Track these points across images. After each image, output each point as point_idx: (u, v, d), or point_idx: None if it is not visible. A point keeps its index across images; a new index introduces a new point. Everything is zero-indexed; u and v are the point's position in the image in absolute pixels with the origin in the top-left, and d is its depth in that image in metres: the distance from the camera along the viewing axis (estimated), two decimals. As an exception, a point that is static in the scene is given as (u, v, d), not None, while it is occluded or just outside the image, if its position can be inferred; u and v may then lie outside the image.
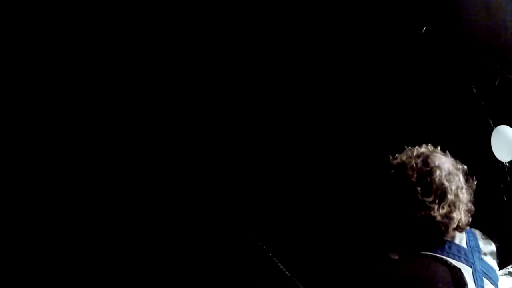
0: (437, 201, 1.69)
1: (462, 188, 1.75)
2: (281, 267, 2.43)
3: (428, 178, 1.70)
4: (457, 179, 1.75)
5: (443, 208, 1.69)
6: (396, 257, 1.79)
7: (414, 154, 1.75)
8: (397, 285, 1.62)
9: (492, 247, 1.90)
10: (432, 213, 1.68)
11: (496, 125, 3.24)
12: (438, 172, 1.72)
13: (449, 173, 1.74)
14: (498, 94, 3.27)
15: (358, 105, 3.46)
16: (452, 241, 1.76)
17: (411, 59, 3.34)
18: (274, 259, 2.46)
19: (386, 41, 3.35)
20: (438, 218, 1.69)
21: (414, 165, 1.72)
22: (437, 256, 1.69)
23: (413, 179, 1.70)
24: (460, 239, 1.79)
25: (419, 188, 1.69)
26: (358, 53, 3.38)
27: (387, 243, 1.85)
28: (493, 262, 1.86)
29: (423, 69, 3.39)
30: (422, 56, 3.34)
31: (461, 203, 1.74)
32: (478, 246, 1.84)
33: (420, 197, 1.69)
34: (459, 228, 1.74)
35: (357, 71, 3.41)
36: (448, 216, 1.70)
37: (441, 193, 1.70)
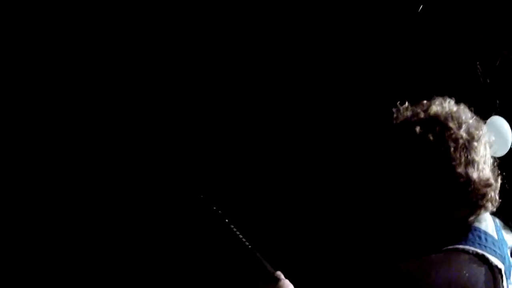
0: (486, 162, 1.31)
1: (489, 155, 1.36)
2: (240, 236, 1.89)
3: (475, 133, 1.31)
4: (492, 140, 1.36)
5: (481, 170, 1.29)
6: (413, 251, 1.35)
7: (446, 107, 1.35)
8: None
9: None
10: (484, 174, 1.29)
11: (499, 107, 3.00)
12: (479, 126, 1.34)
13: (485, 133, 1.36)
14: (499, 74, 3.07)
15: (356, 85, 3.26)
16: (486, 231, 1.36)
17: (409, 38, 3.15)
18: (232, 226, 1.90)
19: (383, 20, 3.16)
20: (491, 181, 1.30)
21: (457, 117, 1.31)
22: (478, 253, 1.30)
23: (463, 135, 1.29)
24: (492, 228, 1.39)
25: (473, 145, 1.29)
26: (354, 33, 3.21)
27: (401, 231, 1.43)
28: None
29: (423, 48, 3.19)
30: (421, 35, 3.15)
31: (497, 172, 1.37)
32: (504, 238, 1.45)
33: (473, 156, 1.28)
34: (492, 204, 1.35)
35: (354, 51, 3.22)
36: (487, 183, 1.31)
37: (486, 153, 1.33)
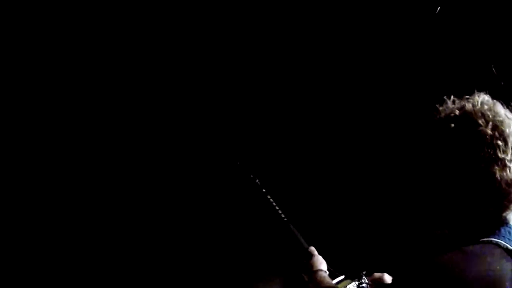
0: (500, 159, 1.28)
1: None
2: (277, 208, 1.87)
3: (504, 131, 1.29)
4: None
5: (507, 169, 1.28)
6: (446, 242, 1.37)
7: (478, 104, 1.34)
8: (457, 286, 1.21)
9: None
10: (509, 174, 1.27)
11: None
12: (509, 123, 1.32)
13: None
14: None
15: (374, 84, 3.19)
16: None
17: (425, 40, 3.08)
18: (269, 197, 1.89)
19: (400, 21, 3.10)
20: (500, 180, 1.28)
21: (486, 114, 1.30)
22: (508, 248, 1.30)
23: (490, 131, 1.28)
24: None
25: (499, 143, 1.27)
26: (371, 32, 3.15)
27: (436, 221, 1.43)
28: None
29: (438, 49, 3.12)
30: (437, 37, 3.08)
31: None
32: None
33: (499, 154, 1.27)
34: None
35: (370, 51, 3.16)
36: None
37: (503, 152, 1.28)
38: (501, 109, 1.34)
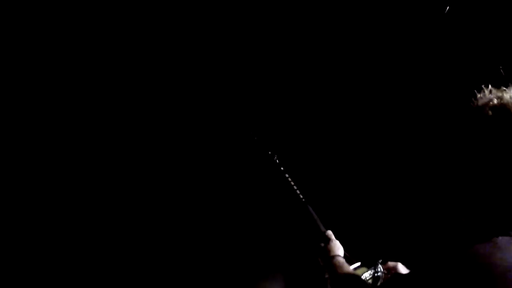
0: None
1: None
2: (295, 188, 1.80)
3: None
4: None
5: None
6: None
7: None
8: (490, 277, 1.18)
9: None
10: None
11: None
12: None
13: None
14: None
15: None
16: None
17: (434, 40, 3.04)
18: (287, 175, 1.82)
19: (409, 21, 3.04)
20: None
21: None
22: None
23: None
24: None
25: None
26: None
27: (465, 211, 1.38)
28: None
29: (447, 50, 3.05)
30: (446, 37, 3.02)
31: None
32: None
33: None
34: None
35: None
36: None
37: None
38: None
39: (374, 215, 2.71)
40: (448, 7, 2.94)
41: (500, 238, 1.24)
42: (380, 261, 1.83)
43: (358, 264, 1.85)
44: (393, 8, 2.99)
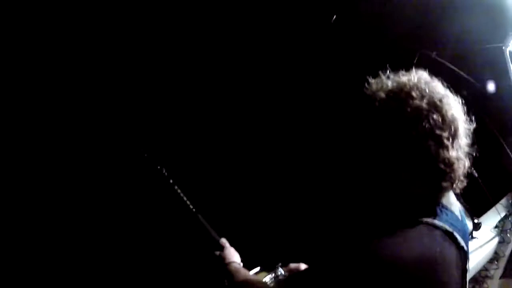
0: (450, 139, 1.21)
1: (464, 132, 1.28)
2: (185, 199, 1.75)
3: (441, 108, 1.22)
4: (462, 117, 1.27)
5: (456, 149, 1.22)
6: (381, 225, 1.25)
7: (414, 78, 1.25)
8: (394, 270, 1.14)
9: (470, 226, 1.64)
10: (447, 152, 1.19)
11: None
12: (450, 102, 1.24)
13: (457, 108, 1.26)
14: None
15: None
16: (454, 212, 1.31)
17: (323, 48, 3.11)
18: (176, 188, 1.76)
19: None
20: (453, 160, 1.21)
21: (422, 89, 1.22)
22: (447, 230, 1.25)
23: (425, 106, 1.18)
24: (458, 210, 1.35)
25: (435, 118, 1.19)
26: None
27: (367, 205, 1.35)
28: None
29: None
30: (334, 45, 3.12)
31: (464, 151, 1.28)
32: (466, 224, 1.42)
33: (435, 129, 1.18)
34: (453, 184, 1.27)
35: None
36: (459, 162, 1.24)
37: (453, 130, 1.23)
38: (440, 87, 1.27)
39: (269, 218, 2.70)
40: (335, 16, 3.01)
41: (407, 229, 1.20)
42: (280, 264, 1.81)
43: (258, 269, 1.81)
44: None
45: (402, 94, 1.22)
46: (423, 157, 1.19)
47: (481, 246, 3.05)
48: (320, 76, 3.09)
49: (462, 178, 1.27)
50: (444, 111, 1.21)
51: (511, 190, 3.60)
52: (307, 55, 3.05)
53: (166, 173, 1.91)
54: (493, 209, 3.35)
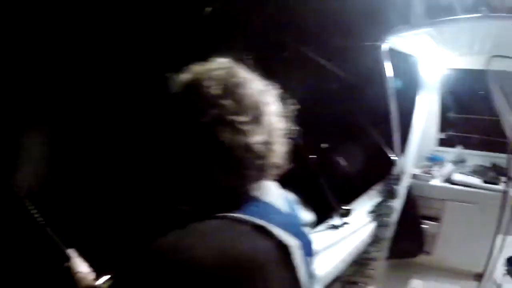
0: (249, 124, 1.14)
1: (277, 115, 1.22)
2: (33, 212, 1.74)
3: (238, 92, 1.15)
4: (270, 100, 1.21)
5: (259, 133, 1.15)
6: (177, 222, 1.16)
7: (213, 66, 1.20)
8: (182, 272, 1.05)
9: (309, 217, 1.41)
10: (247, 138, 1.13)
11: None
12: (252, 85, 1.19)
13: (262, 90, 1.20)
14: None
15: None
16: (271, 203, 1.23)
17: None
18: (25, 202, 1.74)
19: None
20: (256, 146, 1.14)
21: (217, 75, 1.17)
22: (257, 224, 1.13)
23: (217, 92, 1.14)
24: (278, 201, 1.26)
25: (228, 103, 1.13)
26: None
27: (178, 197, 1.25)
28: (310, 234, 1.35)
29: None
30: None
31: (278, 135, 1.21)
32: (297, 214, 1.34)
33: (228, 115, 1.13)
34: (276, 171, 1.22)
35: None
36: (267, 147, 1.17)
37: (256, 114, 1.15)
38: (240, 72, 1.21)
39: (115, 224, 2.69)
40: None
41: (199, 223, 1.11)
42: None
43: (107, 277, 1.83)
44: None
45: (195, 84, 1.18)
46: (215, 145, 1.13)
47: (355, 231, 3.21)
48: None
49: (277, 163, 1.21)
50: (240, 96, 1.16)
51: (383, 178, 3.84)
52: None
53: (10, 185, 1.89)
54: (365, 196, 3.54)
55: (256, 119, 1.16)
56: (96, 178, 2.73)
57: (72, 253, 1.78)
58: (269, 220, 1.17)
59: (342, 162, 3.33)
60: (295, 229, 1.25)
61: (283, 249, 1.17)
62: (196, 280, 1.04)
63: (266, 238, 1.15)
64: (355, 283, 3.47)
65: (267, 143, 1.17)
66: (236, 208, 1.15)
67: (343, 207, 2.96)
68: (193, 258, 1.05)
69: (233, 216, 1.13)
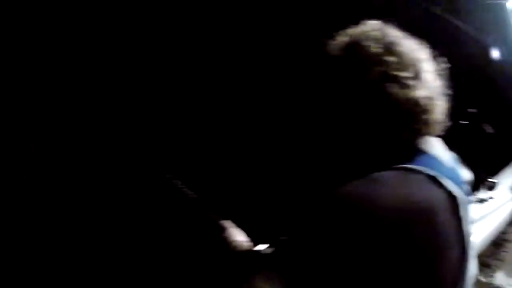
0: (413, 79, 1.20)
1: (433, 72, 1.26)
2: (181, 185, 1.78)
3: (397, 49, 1.22)
4: (425, 57, 1.26)
5: (422, 88, 1.20)
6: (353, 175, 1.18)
7: (367, 27, 1.28)
8: (373, 216, 1.07)
9: (467, 175, 1.41)
10: (412, 92, 1.18)
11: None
12: (406, 43, 1.24)
13: (416, 48, 1.25)
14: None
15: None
16: (439, 157, 1.25)
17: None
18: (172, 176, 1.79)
19: None
20: (422, 100, 1.19)
21: (374, 35, 1.24)
22: (430, 175, 1.17)
23: (379, 50, 1.21)
24: (445, 155, 1.29)
25: (390, 59, 1.20)
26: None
27: (334, 155, 1.33)
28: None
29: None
30: None
31: (437, 92, 1.25)
32: (459, 171, 1.35)
33: (392, 71, 1.19)
34: (430, 127, 1.24)
35: None
36: (431, 102, 1.22)
37: (415, 70, 1.22)
38: (394, 31, 1.28)
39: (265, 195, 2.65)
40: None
41: (379, 173, 1.14)
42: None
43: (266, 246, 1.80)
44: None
45: (355, 45, 1.24)
46: (385, 100, 1.19)
47: (497, 208, 2.98)
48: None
49: (440, 119, 1.26)
50: (399, 52, 1.21)
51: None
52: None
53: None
54: (510, 167, 3.25)
55: (416, 75, 1.21)
56: (247, 147, 2.74)
57: (227, 223, 1.77)
58: (439, 171, 1.19)
59: (489, 129, 3.07)
60: (459, 183, 1.27)
61: (453, 199, 1.20)
62: (382, 225, 1.07)
63: (438, 188, 1.17)
64: (488, 265, 3.24)
65: (430, 98, 1.21)
66: (408, 160, 1.19)
67: (490, 180, 2.73)
68: (379, 204, 1.08)
69: (407, 167, 1.17)
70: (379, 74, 1.19)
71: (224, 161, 2.52)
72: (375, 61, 1.20)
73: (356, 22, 1.33)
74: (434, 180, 1.16)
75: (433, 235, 1.12)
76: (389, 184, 1.12)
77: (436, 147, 1.28)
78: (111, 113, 2.42)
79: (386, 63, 1.19)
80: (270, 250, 1.63)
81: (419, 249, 1.09)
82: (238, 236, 1.73)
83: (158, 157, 2.03)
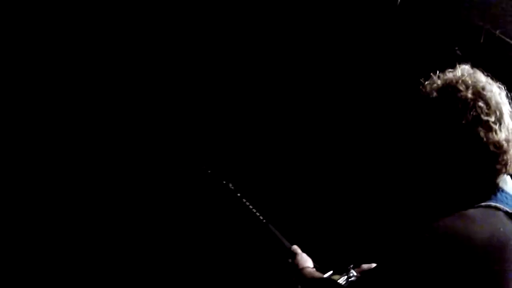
0: (497, 123, 1.30)
1: (510, 114, 1.36)
2: (254, 211, 1.81)
3: (485, 95, 1.32)
4: (505, 101, 1.37)
5: (503, 131, 1.31)
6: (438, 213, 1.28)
7: (459, 73, 1.38)
8: (467, 249, 1.16)
9: None
10: (496, 136, 1.28)
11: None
12: (492, 89, 1.34)
13: (499, 92, 1.37)
14: (484, 52, 2.97)
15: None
16: (508, 192, 1.34)
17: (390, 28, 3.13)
18: (245, 200, 1.82)
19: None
20: (503, 143, 1.29)
21: (466, 81, 1.34)
22: (508, 211, 1.27)
23: (470, 96, 1.30)
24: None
25: (480, 104, 1.29)
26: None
27: (421, 195, 1.42)
28: None
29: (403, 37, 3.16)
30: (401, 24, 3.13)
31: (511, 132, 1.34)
32: None
33: (482, 116, 1.29)
34: (506, 168, 1.33)
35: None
36: (509, 143, 1.31)
37: (499, 114, 1.32)
38: (482, 76, 1.37)
39: (336, 223, 2.70)
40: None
41: (469, 210, 1.24)
42: (352, 266, 1.83)
43: (330, 273, 1.84)
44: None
45: (449, 89, 1.33)
46: (475, 143, 1.27)
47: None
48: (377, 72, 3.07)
49: (509, 163, 1.32)
50: (487, 98, 1.30)
51: None
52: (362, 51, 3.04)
53: (232, 187, 1.98)
54: None
55: (499, 118, 1.30)
56: (313, 175, 2.79)
57: (296, 249, 1.82)
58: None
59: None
60: None
61: None
62: (473, 258, 1.15)
63: None
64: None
65: (508, 141, 1.29)
66: (488, 197, 1.28)
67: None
68: (469, 238, 1.16)
69: (490, 204, 1.26)
70: (472, 118, 1.28)
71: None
72: (469, 106, 1.29)
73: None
74: (510, 216, 1.26)
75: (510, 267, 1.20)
76: (477, 221, 1.21)
77: (509, 183, 1.36)
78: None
79: (478, 108, 1.29)
80: (348, 280, 1.69)
81: (497, 282, 1.18)
82: (308, 262, 1.77)
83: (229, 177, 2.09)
